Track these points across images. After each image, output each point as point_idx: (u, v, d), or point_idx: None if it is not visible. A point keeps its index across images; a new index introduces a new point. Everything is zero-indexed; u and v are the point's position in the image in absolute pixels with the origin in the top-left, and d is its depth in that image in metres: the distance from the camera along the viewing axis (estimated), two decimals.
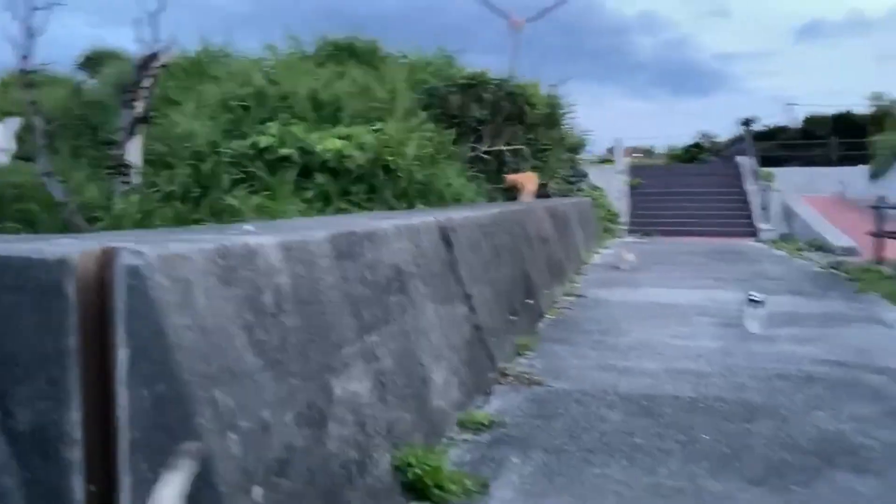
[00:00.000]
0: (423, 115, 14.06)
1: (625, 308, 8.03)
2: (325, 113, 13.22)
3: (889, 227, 12.26)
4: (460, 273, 4.93)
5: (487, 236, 6.01)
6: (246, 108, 12.63)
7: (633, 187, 20.92)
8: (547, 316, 7.36)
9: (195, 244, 2.32)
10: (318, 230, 3.22)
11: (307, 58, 15.42)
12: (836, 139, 26.21)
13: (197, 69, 14.41)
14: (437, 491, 3.09)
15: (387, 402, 3.24)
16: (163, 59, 10.68)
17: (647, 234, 17.82)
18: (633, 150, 39.17)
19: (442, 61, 16.11)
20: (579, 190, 18.32)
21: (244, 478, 2.17)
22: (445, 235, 4.92)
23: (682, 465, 3.59)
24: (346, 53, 15.91)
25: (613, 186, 20.10)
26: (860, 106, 36.69)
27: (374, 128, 12.39)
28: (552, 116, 16.37)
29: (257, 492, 2.21)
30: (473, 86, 15.29)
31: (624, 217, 18.90)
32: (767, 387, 4.93)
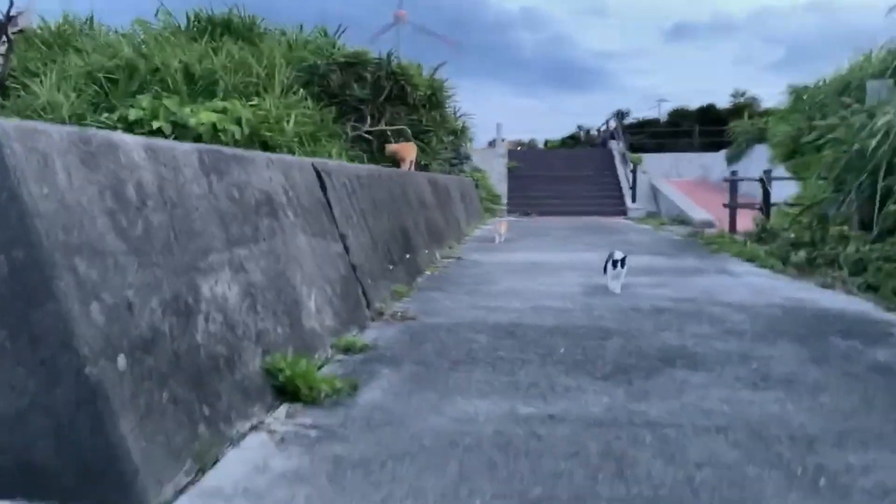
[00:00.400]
0: (303, 92, 13.99)
1: (499, 267, 8.39)
2: (200, 87, 12.90)
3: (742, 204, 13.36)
4: (334, 214, 5.05)
5: (364, 188, 6.15)
6: (114, 82, 12.14)
7: (511, 170, 21.61)
8: (426, 272, 7.59)
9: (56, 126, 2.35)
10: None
11: (180, 32, 14.91)
12: (698, 127, 28.03)
13: (60, 41, 13.69)
14: (307, 391, 3.22)
15: (257, 312, 3.34)
16: (20, 24, 10.15)
17: (525, 213, 18.48)
18: (517, 144, 40.27)
19: (322, 40, 16.06)
20: (461, 172, 18.74)
21: (108, 346, 2.23)
22: (320, 177, 5.03)
23: (539, 369, 3.89)
24: (222, 29, 15.53)
25: (495, 170, 20.69)
26: (723, 101, 39.41)
27: (251, 103, 12.22)
28: (434, 98, 16.65)
29: (122, 361, 2.27)
30: (354, 65, 15.33)
31: (504, 198, 19.51)
32: (622, 317, 5.36)
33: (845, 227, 7.92)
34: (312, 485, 2.41)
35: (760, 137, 21.08)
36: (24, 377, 2.16)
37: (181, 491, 2.30)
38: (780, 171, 15.49)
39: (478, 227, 14.09)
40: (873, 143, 7.88)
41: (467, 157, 18.77)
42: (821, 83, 19.73)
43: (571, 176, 20.82)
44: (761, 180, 11.44)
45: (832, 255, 7.71)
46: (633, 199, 19.02)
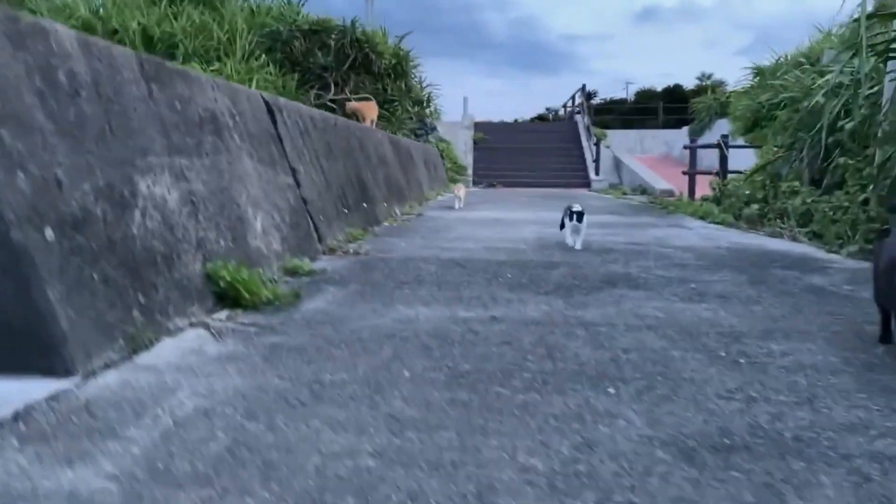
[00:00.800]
0: (265, 58, 13.83)
1: (459, 221, 8.45)
2: (159, 51, 12.68)
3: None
4: (285, 147, 5.04)
5: (318, 130, 6.14)
6: None
7: (477, 142, 21.64)
8: (384, 224, 7.61)
9: None
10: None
11: None
12: (662, 104, 28.29)
13: (13, 1, 13.36)
14: (248, 296, 3.24)
15: (198, 220, 3.34)
16: None
17: (490, 185, 18.54)
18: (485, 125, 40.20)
19: (285, 6, 15.89)
20: (427, 142, 18.71)
21: (35, 216, 2.23)
22: (270, 110, 5.01)
23: (484, 288, 3.95)
24: None
25: (461, 141, 20.72)
26: (690, 84, 39.78)
27: (212, 68, 12.05)
28: (399, 67, 16.55)
29: (50, 233, 2.27)
30: (318, 32, 15.19)
31: (470, 170, 19.56)
32: (571, 254, 5.44)
33: (796, 183, 8.10)
34: (245, 362, 2.44)
35: (723, 112, 21.35)
36: None
37: (111, 366, 2.31)
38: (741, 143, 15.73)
39: (441, 195, 14.11)
40: (822, 100, 8.04)
41: (433, 128, 18.75)
42: (782, 60, 20.02)
43: (537, 148, 20.93)
44: (719, 145, 11.62)
45: (782, 209, 7.90)
46: (597, 172, 19.19)
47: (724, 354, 2.67)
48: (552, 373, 2.39)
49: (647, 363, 2.53)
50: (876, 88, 6.83)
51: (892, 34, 6.07)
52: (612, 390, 2.22)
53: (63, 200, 2.39)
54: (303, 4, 16.64)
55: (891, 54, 6.04)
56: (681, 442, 1.81)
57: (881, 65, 6.43)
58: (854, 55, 6.00)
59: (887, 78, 6.24)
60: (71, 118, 2.58)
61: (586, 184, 18.96)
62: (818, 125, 8.42)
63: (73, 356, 2.18)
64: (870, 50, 5.79)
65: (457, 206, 10.42)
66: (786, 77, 14.55)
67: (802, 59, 16.70)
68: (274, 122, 5.01)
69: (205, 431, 1.81)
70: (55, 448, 1.68)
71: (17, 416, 1.86)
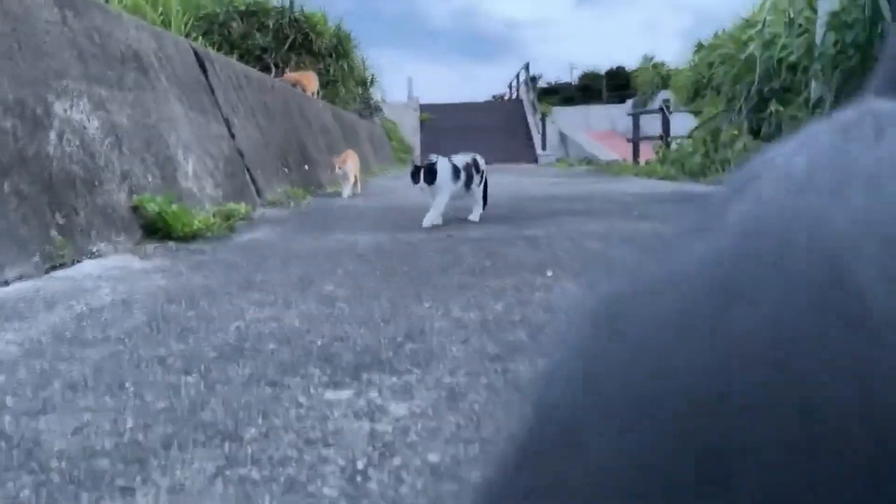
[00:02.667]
0: (202, 41, 13.50)
1: (404, 189, 8.35)
2: None
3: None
4: (217, 98, 4.89)
5: (254, 89, 5.99)
6: None
7: (424, 122, 21.54)
8: (327, 189, 7.48)
9: None
10: None
11: None
12: (606, 82, 28.58)
13: None
14: (178, 228, 3.11)
15: (122, 152, 3.20)
16: None
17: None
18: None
19: None
20: (373, 123, 18.52)
21: None
22: (200, 60, 4.86)
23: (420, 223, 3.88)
24: None
25: (407, 122, 20.58)
26: (632, 65, 40.28)
27: None
28: (341, 48, 16.34)
29: None
30: (255, 13, 14.90)
31: (417, 150, 19.45)
32: (515, 202, 5.42)
33: (735, 132, 8.24)
34: (171, 272, 2.33)
35: (664, 86, 21.66)
36: None
37: (26, 278, 2.18)
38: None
39: (387, 172, 14.00)
40: (758, 52, 8.19)
41: (378, 109, 18.58)
42: (719, 32, 20.35)
43: (484, 126, 20.90)
44: (661, 109, 11.76)
45: (724, 159, 8.03)
46: (544, 147, 19.27)
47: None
48: (490, 267, 2.35)
49: (585, 257, 2.50)
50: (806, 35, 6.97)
51: None
52: (549, 273, 2.18)
53: None
54: None
55: None
56: None
57: (811, 8, 6.56)
58: None
59: (819, 21, 6.37)
60: None
61: (534, 159, 19.03)
62: (753, 76, 8.58)
63: None
64: None
65: (344, 195, 5.98)
66: (725, 38, 14.73)
67: (738, 34, 17.04)
68: (205, 71, 4.86)
69: (122, 313, 1.71)
70: None
71: None
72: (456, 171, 3.73)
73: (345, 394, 1.09)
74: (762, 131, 8.10)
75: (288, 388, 1.13)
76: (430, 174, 3.62)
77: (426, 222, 3.58)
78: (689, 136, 9.92)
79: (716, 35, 21.41)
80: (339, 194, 6.14)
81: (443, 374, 1.18)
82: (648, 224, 3.50)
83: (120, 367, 1.26)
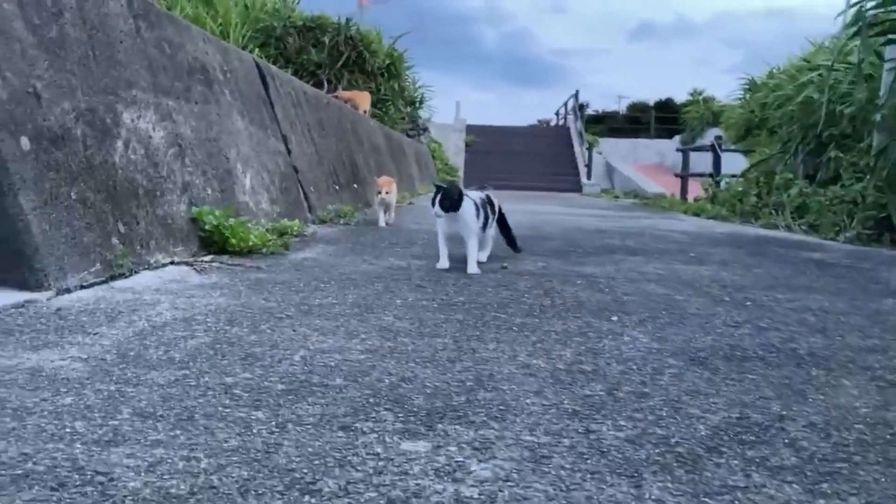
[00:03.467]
0: (258, 53, 13.74)
1: None
2: None
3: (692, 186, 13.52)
4: (276, 113, 4.93)
5: (311, 106, 6.04)
6: None
7: (469, 145, 21.58)
8: (375, 208, 7.49)
9: None
10: None
11: None
12: (654, 113, 28.37)
13: None
14: (234, 241, 3.11)
15: (185, 164, 3.22)
16: None
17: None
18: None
19: (280, 3, 15.81)
20: (419, 142, 18.62)
21: (10, 122, 2.11)
22: (262, 74, 4.91)
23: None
24: None
25: (452, 143, 20.65)
26: (681, 98, 39.96)
27: None
28: (393, 68, 16.48)
29: (26, 143, 2.15)
30: (312, 29, 15.12)
31: (461, 171, 19.47)
32: (565, 233, 5.35)
33: (790, 176, 8.05)
34: (229, 289, 2.32)
35: (714, 122, 21.39)
36: None
37: (86, 286, 2.18)
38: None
39: (431, 191, 14.03)
40: (816, 95, 8.02)
41: (425, 129, 18.66)
42: (775, 71, 20.08)
43: (529, 152, 20.87)
44: (713, 146, 11.59)
45: (777, 202, 7.84)
46: (589, 177, 19.15)
47: (728, 299, 2.57)
48: (550, 306, 2.28)
49: (649, 302, 2.42)
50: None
51: (893, 17, 6.02)
52: (614, 318, 2.11)
53: (41, 114, 2.27)
54: (298, 3, 16.57)
55: (891, 35, 6.00)
56: (691, 353, 1.71)
57: (878, 52, 6.39)
58: (856, 33, 5.93)
59: (886, 65, 6.20)
60: (53, 35, 2.46)
61: (577, 188, 18.91)
62: (812, 119, 8.40)
63: (46, 270, 2.05)
64: (869, 31, 5.75)
65: (382, 223, 5.27)
66: (780, 76, 14.54)
67: (795, 73, 16.77)
68: (266, 86, 4.90)
69: (183, 332, 1.69)
70: (20, 339, 1.56)
71: None
72: (477, 208, 3.11)
73: (422, 446, 1.04)
74: (818, 176, 7.91)
75: (362, 433, 1.08)
76: (451, 199, 2.95)
77: (471, 269, 2.97)
78: (742, 176, 9.74)
79: (770, 73, 21.15)
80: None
81: (521, 430, 1.13)
82: (708, 269, 3.40)
83: (187, 394, 1.23)
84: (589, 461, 1.02)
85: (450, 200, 2.94)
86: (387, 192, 5.25)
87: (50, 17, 2.49)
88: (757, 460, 1.05)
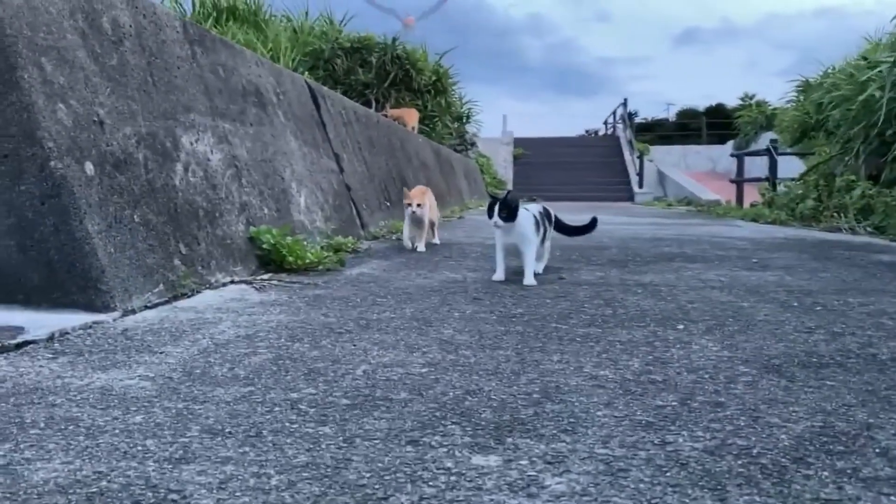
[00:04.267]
0: (308, 76, 13.99)
1: None
2: None
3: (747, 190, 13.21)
4: (328, 133, 4.99)
5: (361, 124, 6.10)
6: None
7: (517, 157, 21.52)
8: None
9: None
10: None
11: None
12: (705, 119, 27.86)
13: None
14: (292, 259, 3.14)
15: (242, 184, 3.27)
16: None
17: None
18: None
19: (327, 26, 16.09)
20: (467, 157, 18.65)
21: (75, 148, 2.17)
22: (314, 95, 4.98)
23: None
24: (227, 14, 15.57)
25: (500, 156, 20.63)
26: (732, 103, 39.18)
27: None
28: (440, 84, 16.58)
29: (90, 168, 2.21)
30: (359, 49, 15.34)
31: (510, 184, 19.41)
32: (620, 242, 5.27)
33: (853, 178, 7.78)
34: (289, 306, 2.33)
35: (768, 126, 20.89)
36: None
37: (151, 307, 2.22)
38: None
39: (481, 205, 14.00)
40: (877, 93, 7.75)
41: (472, 144, 18.69)
42: (830, 72, 19.51)
43: (578, 162, 20.71)
44: (769, 150, 11.31)
45: (839, 205, 7.59)
46: (641, 185, 18.88)
47: (796, 305, 2.47)
48: (612, 316, 2.23)
49: (714, 310, 2.35)
50: None
51: None
52: (680, 327, 2.05)
53: (104, 140, 2.33)
54: (345, 24, 16.84)
55: None
56: (764, 360, 1.64)
57: None
58: None
59: None
60: (114, 63, 2.54)
61: (630, 197, 18.67)
62: (873, 119, 8.11)
63: (112, 292, 2.10)
64: None
65: (416, 246, 4.31)
66: (839, 76, 14.08)
67: (853, 71, 16.27)
68: (318, 107, 4.97)
69: (246, 349, 1.70)
70: (89, 359, 1.59)
71: (51, 337, 1.78)
72: (535, 219, 3.04)
73: (493, 460, 1.01)
74: (882, 177, 7.63)
75: (431, 447, 1.06)
76: (508, 209, 2.87)
77: (528, 281, 2.93)
78: (800, 180, 9.46)
79: (826, 74, 20.57)
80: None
81: (594, 443, 1.09)
82: (772, 274, 3.29)
83: (254, 410, 1.23)
84: (668, 474, 0.98)
85: (507, 211, 2.89)
86: (418, 206, 4.18)
87: (111, 46, 2.56)
88: (848, 471, 0.99)
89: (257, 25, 15.96)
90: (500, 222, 2.90)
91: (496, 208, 2.89)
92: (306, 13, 17.37)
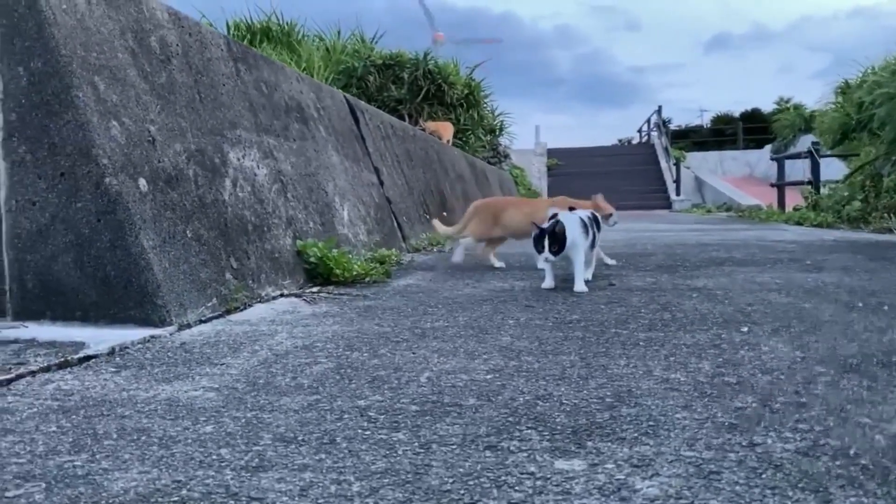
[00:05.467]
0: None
1: None
2: None
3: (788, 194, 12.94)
4: (368, 147, 5.01)
5: (399, 138, 6.11)
6: None
7: (550, 168, 21.43)
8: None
9: None
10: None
11: None
12: (742, 125, 27.47)
13: None
14: (339, 272, 3.14)
15: (287, 198, 3.29)
16: None
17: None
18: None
19: (359, 44, 16.24)
20: (501, 169, 18.62)
21: (129, 165, 2.19)
22: (353, 110, 5.00)
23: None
24: (261, 36, 15.82)
25: (534, 167, 20.56)
26: (767, 108, 38.62)
27: None
28: (472, 97, 16.61)
29: (143, 184, 2.23)
30: (391, 66, 15.45)
31: (545, 195, 19.32)
32: (665, 248, 5.18)
33: None
34: (341, 317, 2.32)
35: (807, 128, 20.50)
36: (44, 191, 2.13)
37: (205, 320, 2.23)
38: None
39: None
40: None
41: (506, 156, 18.66)
42: (870, 70, 19.11)
43: (613, 171, 20.53)
44: (810, 152, 11.08)
45: (888, 205, 7.39)
46: (678, 192, 18.64)
47: (861, 305, 2.39)
48: (671, 320, 2.18)
49: (776, 312, 2.28)
50: None
51: None
52: (745, 329, 1.99)
53: (156, 156, 2.36)
54: (376, 42, 16.98)
55: None
56: (840, 360, 1.58)
57: None
58: None
59: None
60: (163, 81, 2.57)
61: (667, 205, 18.44)
62: None
63: (168, 306, 2.11)
64: None
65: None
66: (882, 73, 13.75)
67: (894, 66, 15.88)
68: (356, 121, 4.99)
69: (306, 359, 1.69)
70: (152, 372, 1.59)
71: (112, 351, 1.79)
72: (584, 226, 2.95)
73: (577, 464, 0.98)
74: None
75: (510, 452, 1.03)
76: (558, 240, 2.74)
77: (578, 287, 2.83)
78: (845, 181, 9.24)
79: (866, 73, 20.11)
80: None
81: (680, 445, 1.05)
82: (829, 276, 3.20)
83: (324, 418, 1.21)
84: (764, 476, 0.93)
85: (558, 246, 2.74)
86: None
87: (159, 64, 2.59)
88: None
89: (290, 46, 16.17)
90: (552, 257, 2.76)
91: (545, 242, 2.72)
92: (338, 32, 17.53)
